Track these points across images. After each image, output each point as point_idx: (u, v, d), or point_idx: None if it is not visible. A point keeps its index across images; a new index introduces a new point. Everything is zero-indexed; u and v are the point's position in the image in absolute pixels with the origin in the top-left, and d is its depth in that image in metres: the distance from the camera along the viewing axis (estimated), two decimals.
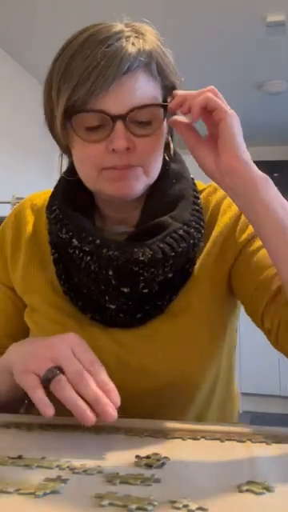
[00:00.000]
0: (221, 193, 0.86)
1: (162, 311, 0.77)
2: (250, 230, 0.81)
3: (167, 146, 0.81)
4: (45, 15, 3.29)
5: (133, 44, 0.70)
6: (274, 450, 0.60)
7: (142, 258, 0.72)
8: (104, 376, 0.63)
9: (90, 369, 0.62)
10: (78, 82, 0.68)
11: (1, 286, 0.89)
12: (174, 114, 0.78)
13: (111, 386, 0.62)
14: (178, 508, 0.45)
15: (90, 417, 0.58)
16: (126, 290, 0.74)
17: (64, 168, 0.86)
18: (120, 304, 0.76)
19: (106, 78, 0.68)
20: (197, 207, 0.79)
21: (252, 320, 0.82)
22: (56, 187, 0.85)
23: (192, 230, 0.76)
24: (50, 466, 0.54)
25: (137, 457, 0.57)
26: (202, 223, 0.78)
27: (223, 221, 0.83)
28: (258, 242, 0.80)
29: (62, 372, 0.62)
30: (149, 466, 0.54)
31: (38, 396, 0.61)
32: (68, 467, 0.54)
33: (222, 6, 3.40)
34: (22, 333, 0.87)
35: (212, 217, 0.83)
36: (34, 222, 0.87)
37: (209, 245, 0.81)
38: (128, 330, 0.78)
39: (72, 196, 0.81)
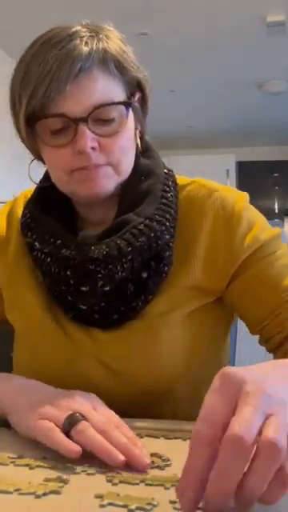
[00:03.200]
0: (207, 191, 0.81)
1: (137, 313, 0.76)
2: (254, 235, 0.78)
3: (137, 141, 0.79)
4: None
5: (86, 43, 0.70)
6: None
7: (96, 256, 0.71)
8: (130, 432, 0.58)
9: (115, 425, 0.59)
10: (35, 88, 0.69)
11: None
12: (142, 109, 0.78)
13: (139, 441, 0.57)
14: (179, 509, 0.45)
15: (118, 455, 0.53)
16: (85, 288, 0.73)
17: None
18: (91, 304, 0.75)
19: (59, 81, 0.68)
20: (164, 201, 0.77)
21: (246, 325, 0.81)
22: (33, 192, 0.85)
23: (154, 224, 0.74)
24: (50, 466, 0.54)
25: None
26: (167, 216, 0.76)
27: (211, 222, 0.79)
28: (265, 251, 0.78)
29: (86, 420, 0.57)
30: (151, 465, 0.54)
31: (58, 437, 0.56)
32: (68, 467, 0.54)
33: (222, 5, 3.40)
34: None
35: (194, 216, 0.80)
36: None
37: (194, 246, 0.78)
38: (106, 330, 0.77)
39: (47, 200, 0.81)
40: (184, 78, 4.53)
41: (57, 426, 0.58)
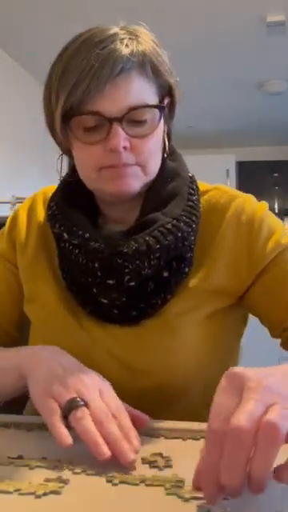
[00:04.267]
0: (228, 197, 0.83)
1: (155, 310, 0.77)
2: (276, 239, 0.79)
3: (165, 144, 0.82)
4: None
5: (126, 45, 0.72)
6: None
7: (125, 250, 0.73)
8: (128, 422, 0.60)
9: (114, 413, 0.61)
10: (75, 84, 0.70)
11: (7, 263, 0.90)
12: (170, 113, 0.80)
13: (133, 433, 0.59)
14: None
15: (104, 451, 0.55)
16: (111, 281, 0.75)
17: (62, 169, 0.87)
18: (112, 299, 0.77)
19: (100, 80, 0.70)
20: (191, 203, 0.79)
21: (267, 328, 0.82)
22: (58, 186, 0.87)
23: (181, 224, 0.76)
24: (50, 466, 0.54)
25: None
26: (193, 218, 0.78)
27: (233, 227, 0.80)
28: (286, 255, 0.79)
29: (86, 406, 0.60)
30: (151, 465, 0.55)
31: (57, 424, 0.58)
32: (68, 467, 0.54)
33: (222, 5, 3.40)
34: (23, 318, 0.89)
35: (215, 221, 0.81)
36: (44, 215, 0.89)
37: (214, 250, 0.80)
38: (123, 326, 0.78)
39: (72, 195, 0.83)
40: (184, 77, 4.52)
41: (60, 405, 0.60)
